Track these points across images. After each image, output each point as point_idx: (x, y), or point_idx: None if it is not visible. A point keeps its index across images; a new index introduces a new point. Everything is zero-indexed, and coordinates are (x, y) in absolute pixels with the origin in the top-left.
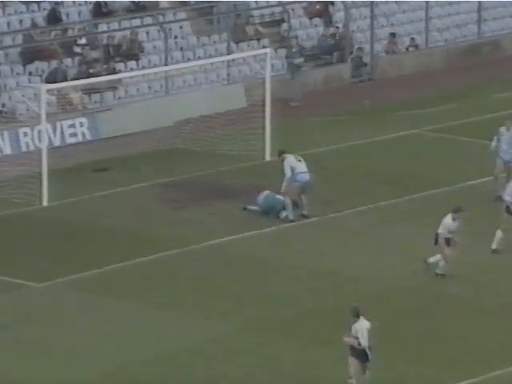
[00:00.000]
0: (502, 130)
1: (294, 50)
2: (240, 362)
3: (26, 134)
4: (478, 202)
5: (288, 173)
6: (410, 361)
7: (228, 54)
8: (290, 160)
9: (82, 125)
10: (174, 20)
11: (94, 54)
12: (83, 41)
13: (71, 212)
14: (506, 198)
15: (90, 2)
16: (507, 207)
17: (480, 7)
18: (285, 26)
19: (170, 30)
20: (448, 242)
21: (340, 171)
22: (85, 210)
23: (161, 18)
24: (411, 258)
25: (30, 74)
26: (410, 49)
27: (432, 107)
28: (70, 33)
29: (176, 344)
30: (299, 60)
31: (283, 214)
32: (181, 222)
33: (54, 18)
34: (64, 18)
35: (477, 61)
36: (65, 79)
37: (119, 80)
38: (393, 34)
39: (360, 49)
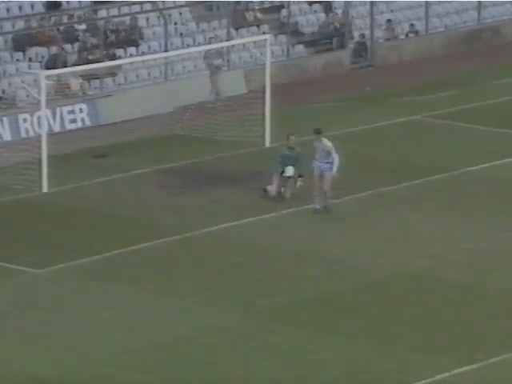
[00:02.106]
0: None
1: (212, 50)
2: (240, 349)
3: (25, 120)
4: (478, 188)
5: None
6: (409, 347)
7: (228, 40)
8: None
9: (81, 111)
10: (173, 6)
11: (94, 40)
12: (83, 27)
13: (71, 198)
14: None
15: None
16: None
17: None
18: (284, 12)
19: (170, 16)
20: None
21: (340, 157)
22: (84, 196)
23: (160, 4)
24: (411, 245)
25: (30, 60)
26: (410, 35)
27: (432, 93)
28: (69, 19)
29: (176, 331)
30: (218, 61)
31: (290, 171)
32: (180, 208)
33: (53, 3)
34: (64, 4)
35: (477, 47)
36: (65, 65)
37: (119, 66)
38: (389, 21)
39: (361, 35)
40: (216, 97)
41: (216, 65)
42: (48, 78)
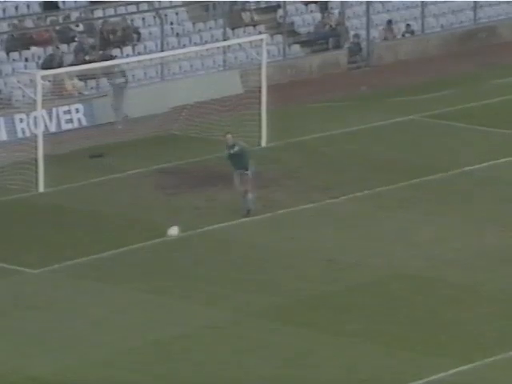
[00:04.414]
0: None
1: (116, 69)
2: (239, 348)
3: (21, 120)
4: (477, 188)
5: None
6: (408, 347)
7: (224, 40)
8: None
9: (77, 111)
10: (169, 6)
11: (90, 41)
12: (79, 27)
13: (67, 198)
14: None
15: None
16: None
17: None
18: (280, 12)
19: (166, 16)
20: None
21: (337, 157)
22: (81, 196)
23: (156, 4)
24: (409, 244)
25: (26, 60)
26: (406, 35)
27: (428, 93)
28: (66, 19)
29: (175, 331)
30: (120, 80)
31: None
32: (177, 207)
33: (50, 3)
34: (60, 4)
35: (473, 47)
36: (61, 65)
37: (115, 66)
38: (389, 21)
39: (357, 35)
40: (123, 118)
41: (118, 83)
42: (44, 78)
